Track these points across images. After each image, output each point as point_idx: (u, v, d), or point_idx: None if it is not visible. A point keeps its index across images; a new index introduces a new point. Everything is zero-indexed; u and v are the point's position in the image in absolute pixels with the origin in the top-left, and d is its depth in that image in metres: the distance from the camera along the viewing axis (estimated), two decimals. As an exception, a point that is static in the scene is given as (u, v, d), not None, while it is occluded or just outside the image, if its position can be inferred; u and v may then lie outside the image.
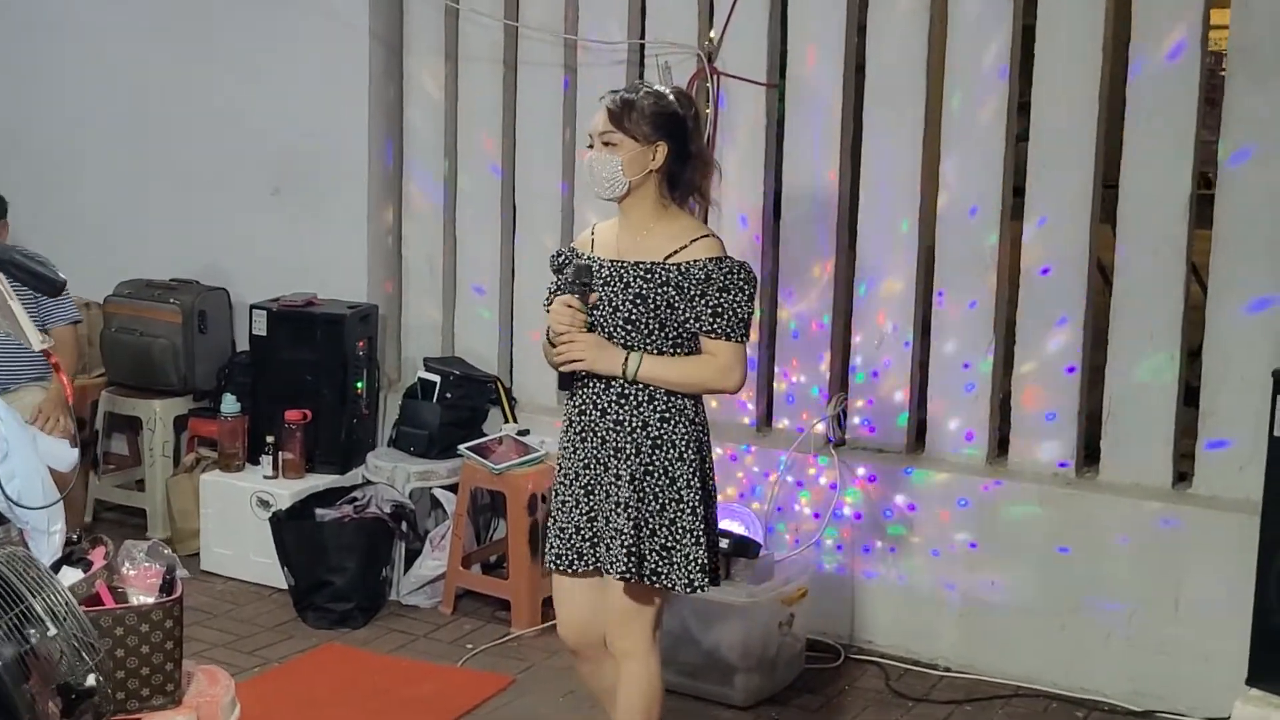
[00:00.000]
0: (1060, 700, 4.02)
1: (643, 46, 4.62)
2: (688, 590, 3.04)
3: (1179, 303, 3.97)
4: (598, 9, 4.69)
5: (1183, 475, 4.05)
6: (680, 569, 3.03)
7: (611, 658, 3.17)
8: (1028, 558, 4.12)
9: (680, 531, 3.03)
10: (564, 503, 3.12)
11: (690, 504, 3.03)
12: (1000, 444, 4.30)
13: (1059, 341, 4.12)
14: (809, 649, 4.21)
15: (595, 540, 3.09)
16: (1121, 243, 4.04)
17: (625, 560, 3.00)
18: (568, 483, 3.12)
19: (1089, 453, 4.19)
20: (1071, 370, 4.11)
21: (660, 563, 3.03)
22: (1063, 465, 4.15)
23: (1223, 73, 3.87)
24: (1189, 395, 4.09)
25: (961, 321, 4.25)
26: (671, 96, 3.05)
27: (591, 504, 3.08)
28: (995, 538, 4.16)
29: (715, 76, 4.46)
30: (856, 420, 4.43)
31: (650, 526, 3.02)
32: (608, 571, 3.05)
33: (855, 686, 4.12)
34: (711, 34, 4.47)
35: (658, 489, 3.02)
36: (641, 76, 4.62)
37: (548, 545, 3.17)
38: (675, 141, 3.01)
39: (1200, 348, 4.01)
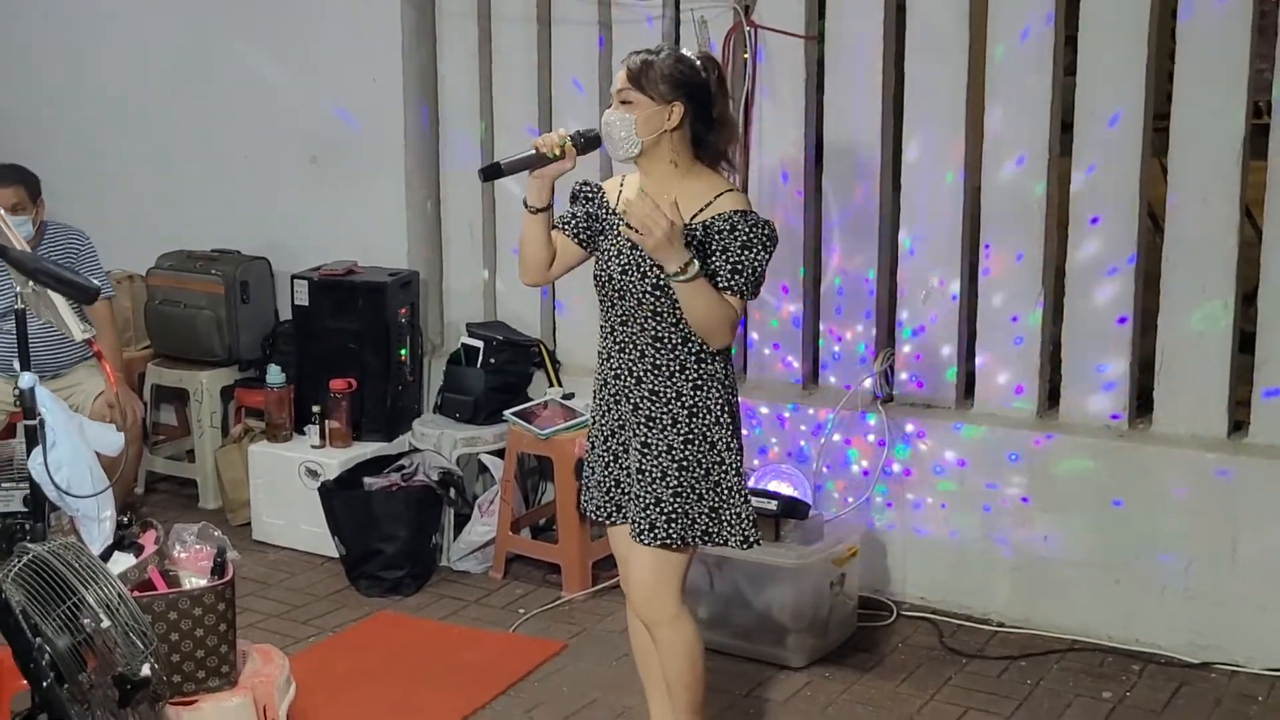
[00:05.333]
0: (1116, 653, 3.99)
1: (678, 1, 4.54)
2: (744, 546, 3.08)
3: (1233, 247, 3.88)
4: (631, -37, 4.62)
5: (1239, 424, 3.98)
6: (733, 527, 3.06)
7: None
8: (1081, 511, 4.07)
9: (726, 491, 3.06)
10: (599, 458, 3.17)
11: (732, 465, 3.06)
12: (1051, 396, 4.24)
13: (1109, 291, 4.05)
14: (861, 606, 4.19)
15: (626, 499, 3.13)
16: (1172, 187, 3.95)
17: (647, 525, 3.02)
18: (601, 439, 3.16)
19: (1142, 403, 4.12)
20: (1123, 320, 4.04)
21: (711, 524, 3.05)
22: (1115, 417, 4.08)
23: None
24: (1244, 341, 4.01)
25: (1009, 273, 4.18)
26: (694, 58, 3.02)
27: (622, 465, 3.12)
28: (1047, 492, 4.11)
29: (753, 30, 4.39)
30: (904, 375, 4.38)
31: (697, 491, 3.03)
32: (633, 536, 3.06)
33: (908, 644, 4.10)
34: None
35: (700, 455, 3.02)
36: (678, 31, 4.54)
37: (586, 495, 3.21)
38: (696, 103, 2.97)
39: (1255, 292, 3.93)
